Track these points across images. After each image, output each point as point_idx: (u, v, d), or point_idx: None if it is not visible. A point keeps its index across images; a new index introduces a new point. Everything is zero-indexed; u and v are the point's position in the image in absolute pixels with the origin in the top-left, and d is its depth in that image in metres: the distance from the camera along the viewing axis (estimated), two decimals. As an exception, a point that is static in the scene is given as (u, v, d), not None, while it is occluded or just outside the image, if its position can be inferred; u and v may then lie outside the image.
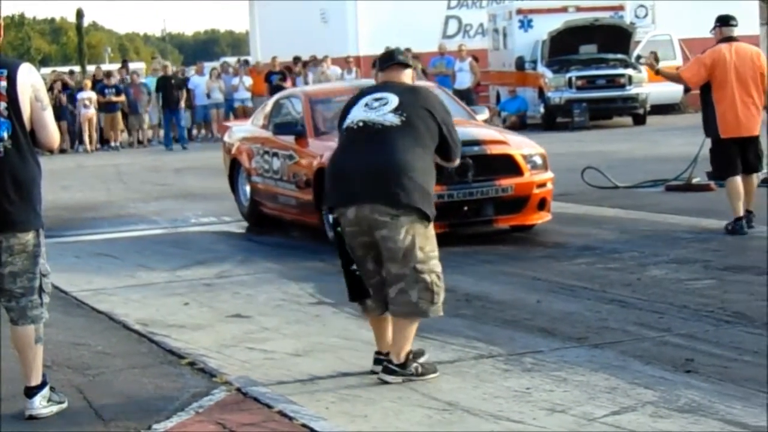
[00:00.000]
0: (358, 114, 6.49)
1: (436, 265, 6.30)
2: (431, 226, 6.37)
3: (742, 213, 10.75)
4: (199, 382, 6.48)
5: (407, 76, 6.72)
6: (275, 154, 12.35)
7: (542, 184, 11.13)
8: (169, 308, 8.72)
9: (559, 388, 6.02)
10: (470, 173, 10.52)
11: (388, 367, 6.29)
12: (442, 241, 10.06)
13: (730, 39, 11.07)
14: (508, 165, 10.95)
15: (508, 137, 11.54)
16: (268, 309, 8.54)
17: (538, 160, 11.17)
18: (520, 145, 11.28)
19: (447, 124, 6.50)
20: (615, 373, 6.23)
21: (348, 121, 6.54)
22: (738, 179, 10.88)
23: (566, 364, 6.48)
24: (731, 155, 10.95)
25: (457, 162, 6.87)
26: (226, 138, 14.39)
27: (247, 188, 13.25)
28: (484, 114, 12.94)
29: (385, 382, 6.25)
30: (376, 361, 6.46)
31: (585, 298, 8.33)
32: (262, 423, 5.66)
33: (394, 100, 6.44)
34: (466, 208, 10.83)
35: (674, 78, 11.75)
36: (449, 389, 6.09)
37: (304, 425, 5.58)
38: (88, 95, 29.19)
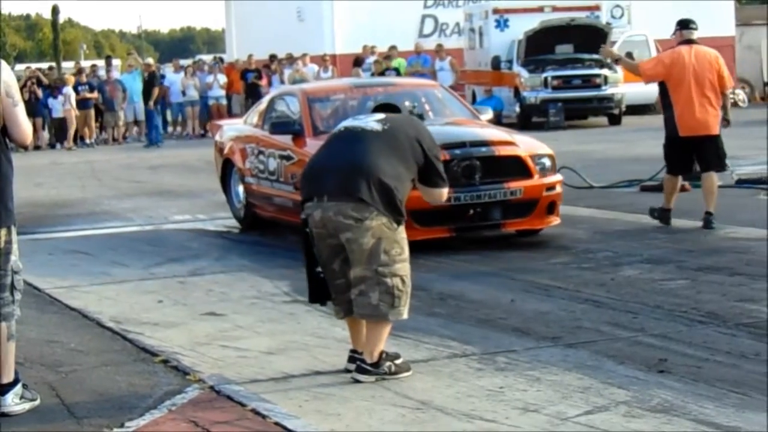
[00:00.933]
0: (344, 123, 6.73)
1: (400, 268, 6.27)
2: (401, 229, 6.33)
3: (671, 207, 11.42)
4: (173, 380, 6.46)
5: None
6: (271, 154, 11.81)
7: (551, 187, 10.76)
8: (142, 306, 8.69)
9: (532, 387, 6.03)
10: (477, 175, 10.32)
11: (362, 366, 6.29)
12: (430, 241, 10.21)
13: (690, 42, 11.36)
14: (516, 167, 10.59)
15: (515, 138, 11.15)
16: (242, 307, 8.52)
17: (547, 162, 10.82)
18: (529, 146, 10.92)
19: (434, 154, 6.53)
20: (588, 373, 6.24)
21: (334, 130, 6.77)
22: (677, 178, 11.49)
23: (540, 363, 6.49)
24: (679, 154, 11.39)
25: (444, 197, 6.83)
26: (217, 137, 13.76)
27: (241, 189, 12.72)
28: (488, 114, 12.64)
29: (359, 381, 6.25)
30: (351, 359, 6.45)
31: (559, 297, 8.34)
32: (235, 421, 5.65)
33: (381, 115, 6.62)
34: (472, 211, 10.43)
35: (633, 68, 12.09)
36: (422, 388, 6.09)
37: (277, 423, 5.57)
38: (69, 91, 29.02)
